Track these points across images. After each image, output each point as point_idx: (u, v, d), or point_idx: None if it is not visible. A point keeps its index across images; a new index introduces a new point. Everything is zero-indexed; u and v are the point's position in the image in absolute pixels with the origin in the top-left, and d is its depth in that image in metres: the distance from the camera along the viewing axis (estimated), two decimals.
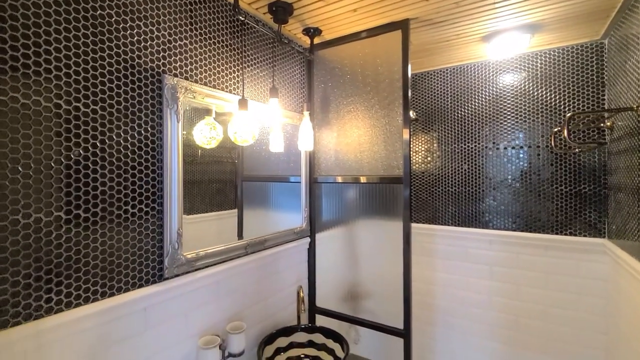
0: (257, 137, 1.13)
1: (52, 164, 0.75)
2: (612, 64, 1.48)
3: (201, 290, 1.09)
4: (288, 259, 1.52)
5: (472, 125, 1.95)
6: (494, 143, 1.87)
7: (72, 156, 0.78)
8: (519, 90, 1.80)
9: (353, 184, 1.55)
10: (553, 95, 1.70)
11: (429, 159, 2.10)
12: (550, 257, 1.71)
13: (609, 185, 1.55)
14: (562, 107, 1.68)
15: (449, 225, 2.01)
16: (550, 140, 1.68)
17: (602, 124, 1.49)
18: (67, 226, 0.77)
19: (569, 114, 1.27)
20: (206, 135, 1.18)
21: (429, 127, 2.10)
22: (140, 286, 0.92)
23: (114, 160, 0.87)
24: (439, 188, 2.06)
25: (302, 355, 1.33)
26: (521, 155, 1.79)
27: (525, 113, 1.78)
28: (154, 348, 0.95)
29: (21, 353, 0.69)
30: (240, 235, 1.27)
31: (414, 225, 2.11)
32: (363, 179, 1.51)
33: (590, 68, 1.62)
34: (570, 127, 1.41)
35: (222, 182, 1.23)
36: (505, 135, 1.84)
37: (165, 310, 0.98)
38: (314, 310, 1.66)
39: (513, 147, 1.82)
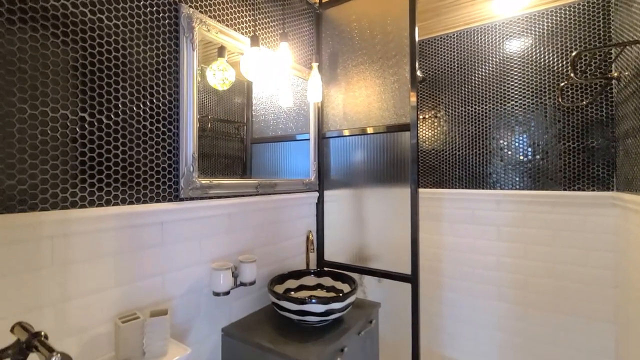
0: (266, 77, 1.17)
1: (78, 66, 0.79)
2: (618, 18, 1.49)
3: (214, 220, 1.13)
4: (297, 209, 1.55)
5: (479, 88, 1.96)
6: (501, 104, 1.88)
7: (88, 66, 0.82)
8: (526, 51, 1.81)
9: (361, 135, 1.58)
10: (560, 54, 1.71)
11: (435, 124, 2.11)
12: (558, 214, 1.71)
13: (616, 137, 1.55)
14: (569, 64, 1.69)
15: (456, 188, 2.02)
16: (558, 96, 1.69)
17: (609, 74, 1.50)
18: (90, 128, 0.81)
19: (574, 53, 1.28)
20: (219, 77, 1.22)
21: (436, 93, 2.11)
22: (158, 201, 0.96)
23: (134, 77, 0.91)
24: (446, 152, 2.07)
25: (311, 296, 1.35)
26: (528, 115, 1.80)
27: (531, 72, 1.79)
28: (169, 266, 0.98)
29: (49, 238, 0.73)
30: (250, 176, 1.31)
31: (421, 190, 2.13)
32: (370, 130, 1.54)
33: (597, 24, 1.62)
34: (577, 68, 1.42)
35: (232, 157, 1.24)
36: (512, 95, 1.85)
37: (180, 231, 1.01)
38: (322, 264, 1.68)
39: (520, 107, 1.83)
